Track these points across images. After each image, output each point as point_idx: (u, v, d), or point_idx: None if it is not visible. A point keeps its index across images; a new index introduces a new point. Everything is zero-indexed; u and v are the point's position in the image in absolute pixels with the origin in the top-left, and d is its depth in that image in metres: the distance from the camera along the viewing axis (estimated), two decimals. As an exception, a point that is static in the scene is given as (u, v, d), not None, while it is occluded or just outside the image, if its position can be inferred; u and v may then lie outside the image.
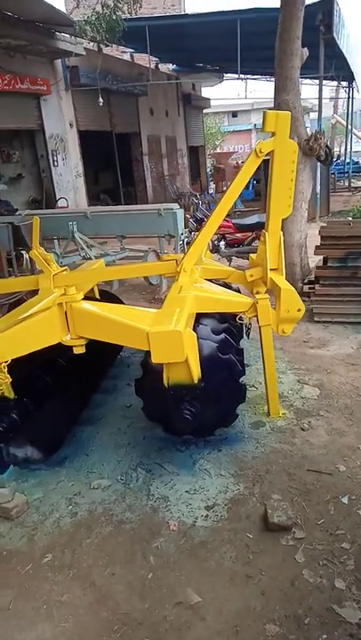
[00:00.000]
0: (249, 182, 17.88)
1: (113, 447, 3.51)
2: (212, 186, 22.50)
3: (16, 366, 2.77)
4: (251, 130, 35.67)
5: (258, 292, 4.05)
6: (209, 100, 22.83)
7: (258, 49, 13.02)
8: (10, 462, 3.10)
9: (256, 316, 3.46)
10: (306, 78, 17.81)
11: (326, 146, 6.44)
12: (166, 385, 2.92)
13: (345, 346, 4.93)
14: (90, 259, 6.90)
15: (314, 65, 6.66)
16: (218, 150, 29.32)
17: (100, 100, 12.20)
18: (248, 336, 3.66)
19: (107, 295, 4.73)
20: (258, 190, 15.25)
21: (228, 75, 20.01)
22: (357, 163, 23.85)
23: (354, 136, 23.77)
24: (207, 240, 3.75)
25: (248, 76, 16.27)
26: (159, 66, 18.82)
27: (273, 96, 6.85)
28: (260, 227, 8.23)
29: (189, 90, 21.05)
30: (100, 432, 3.71)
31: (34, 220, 4.04)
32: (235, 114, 36.90)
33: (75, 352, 2.91)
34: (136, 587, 2.39)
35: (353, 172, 21.17)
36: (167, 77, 19.05)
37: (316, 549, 2.50)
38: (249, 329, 3.64)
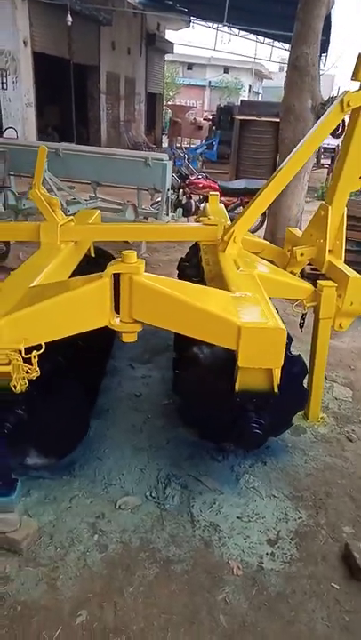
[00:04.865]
0: (212, 142, 16.77)
1: (131, 451, 2.84)
2: (165, 139, 21.19)
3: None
4: (205, 86, 34.05)
5: (291, 273, 3.55)
6: (172, 44, 21.17)
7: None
8: (17, 477, 2.32)
9: (315, 305, 2.92)
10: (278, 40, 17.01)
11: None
12: (236, 390, 2.29)
13: (357, 338, 4.59)
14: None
15: (290, 25, 5.86)
16: (171, 102, 27.68)
17: (69, 18, 10.54)
18: (302, 329, 3.10)
19: (104, 255, 3.89)
20: (223, 152, 14.38)
21: (198, 22, 18.57)
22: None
23: None
24: (266, 205, 3.08)
25: (225, 25, 15.06)
26: (125, -6, 16.93)
27: (289, 50, 6.14)
28: (246, 193, 7.61)
29: (154, 29, 19.31)
30: (111, 429, 3.01)
31: (40, 150, 3.11)
32: (190, 66, 34.88)
33: (123, 340, 2.16)
34: (213, 663, 1.83)
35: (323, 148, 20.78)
36: (133, 9, 17.24)
37: None
38: (304, 319, 3.07)
